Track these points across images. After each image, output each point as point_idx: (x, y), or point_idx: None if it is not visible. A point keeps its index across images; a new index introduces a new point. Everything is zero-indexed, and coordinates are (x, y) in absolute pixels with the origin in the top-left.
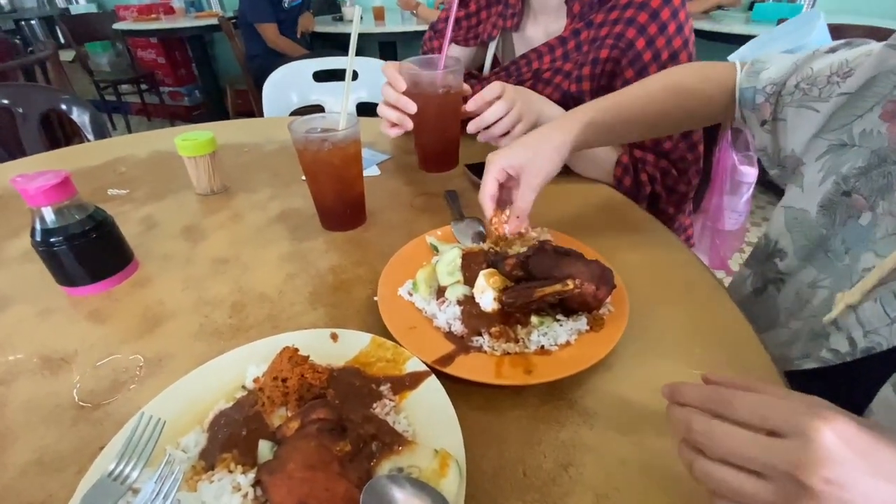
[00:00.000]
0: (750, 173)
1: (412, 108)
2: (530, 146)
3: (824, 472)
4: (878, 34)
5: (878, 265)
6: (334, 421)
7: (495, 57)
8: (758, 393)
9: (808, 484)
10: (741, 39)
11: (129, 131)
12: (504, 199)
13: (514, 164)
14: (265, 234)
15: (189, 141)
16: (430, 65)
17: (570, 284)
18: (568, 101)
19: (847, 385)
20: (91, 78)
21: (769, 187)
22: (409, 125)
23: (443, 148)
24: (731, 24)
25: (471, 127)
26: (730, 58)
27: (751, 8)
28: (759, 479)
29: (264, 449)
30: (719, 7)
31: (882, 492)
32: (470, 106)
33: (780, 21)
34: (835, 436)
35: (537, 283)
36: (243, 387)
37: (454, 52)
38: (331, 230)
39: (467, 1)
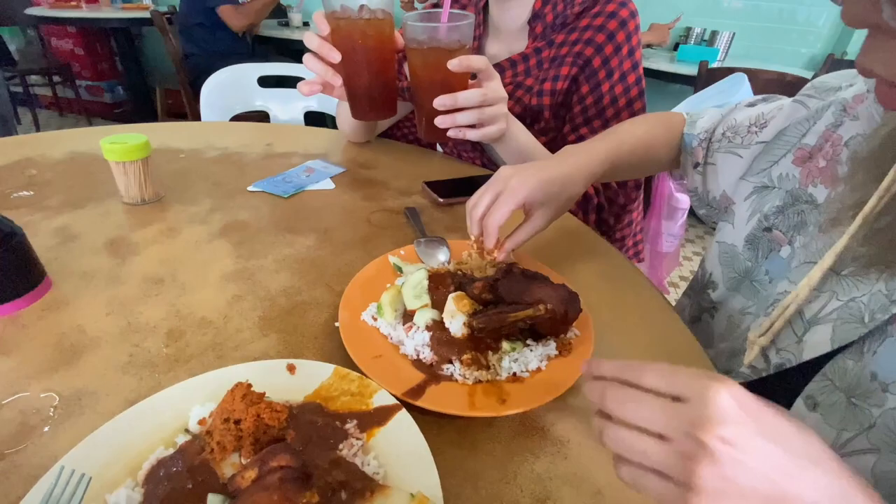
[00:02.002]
0: (684, 200)
1: (335, 56)
2: (556, 182)
3: (720, 431)
4: (784, 79)
5: (789, 293)
6: (298, 468)
7: None
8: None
9: (705, 441)
10: (667, 76)
11: (38, 127)
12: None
13: (538, 199)
14: (206, 251)
15: (118, 144)
16: (435, 17)
17: (542, 309)
18: (528, 114)
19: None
20: None
21: (701, 220)
22: (336, 81)
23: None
24: (659, 62)
25: (437, 102)
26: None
27: (675, 48)
28: (662, 441)
29: None
30: (648, 46)
31: (769, 451)
32: (453, 64)
33: (701, 62)
34: (730, 398)
35: (509, 307)
36: (186, 430)
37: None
38: (362, 118)
39: None
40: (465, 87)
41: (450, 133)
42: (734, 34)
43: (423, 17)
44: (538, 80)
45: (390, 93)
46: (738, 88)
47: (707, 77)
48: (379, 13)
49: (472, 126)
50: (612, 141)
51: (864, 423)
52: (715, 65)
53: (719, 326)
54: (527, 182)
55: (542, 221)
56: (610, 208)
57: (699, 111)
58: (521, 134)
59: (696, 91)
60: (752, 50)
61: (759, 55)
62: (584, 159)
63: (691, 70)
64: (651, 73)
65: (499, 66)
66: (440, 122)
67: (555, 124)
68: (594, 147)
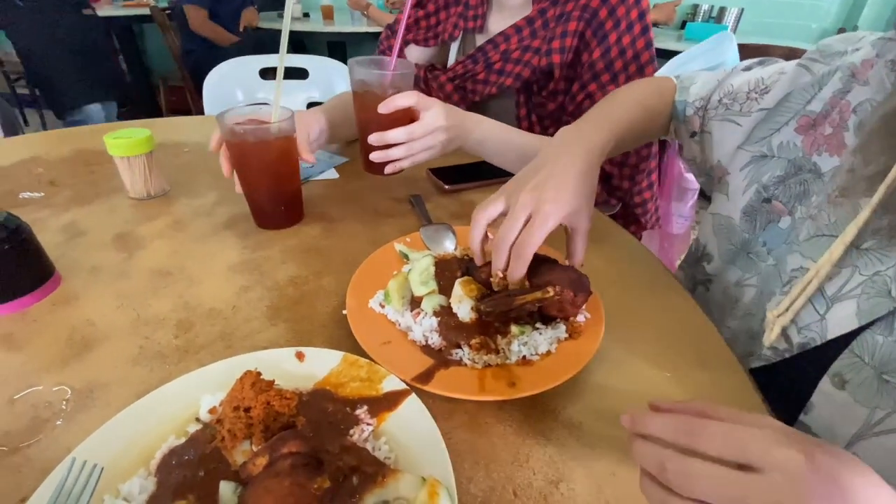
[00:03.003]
0: (694, 181)
1: (225, 168)
2: (581, 187)
3: None
4: (794, 54)
5: (807, 270)
6: (308, 454)
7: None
8: (720, 421)
9: None
10: (675, 56)
11: (45, 127)
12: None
13: (570, 213)
14: (212, 243)
15: (122, 139)
16: (381, 65)
17: (551, 291)
18: (537, 76)
19: (788, 380)
20: (1, 69)
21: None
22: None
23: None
24: (666, 41)
25: (370, 139)
26: (658, 73)
27: (683, 27)
28: None
29: (226, 492)
30: (654, 24)
31: None
32: (381, 109)
33: None
34: (811, 469)
35: (516, 290)
36: (197, 419)
37: (413, 53)
38: (264, 228)
39: (425, 2)
40: (406, 123)
41: (386, 170)
42: (742, 10)
43: (369, 63)
44: (546, 40)
45: (288, 206)
46: (724, 48)
47: None
48: (261, 132)
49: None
50: (610, 113)
51: None
52: None
53: (715, 298)
54: (559, 202)
55: (588, 225)
56: (621, 171)
57: (690, 75)
58: (493, 134)
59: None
60: (762, 26)
61: (769, 31)
62: (590, 149)
63: (688, 50)
64: (658, 53)
65: (503, 35)
66: (374, 156)
67: (564, 86)
68: (594, 124)
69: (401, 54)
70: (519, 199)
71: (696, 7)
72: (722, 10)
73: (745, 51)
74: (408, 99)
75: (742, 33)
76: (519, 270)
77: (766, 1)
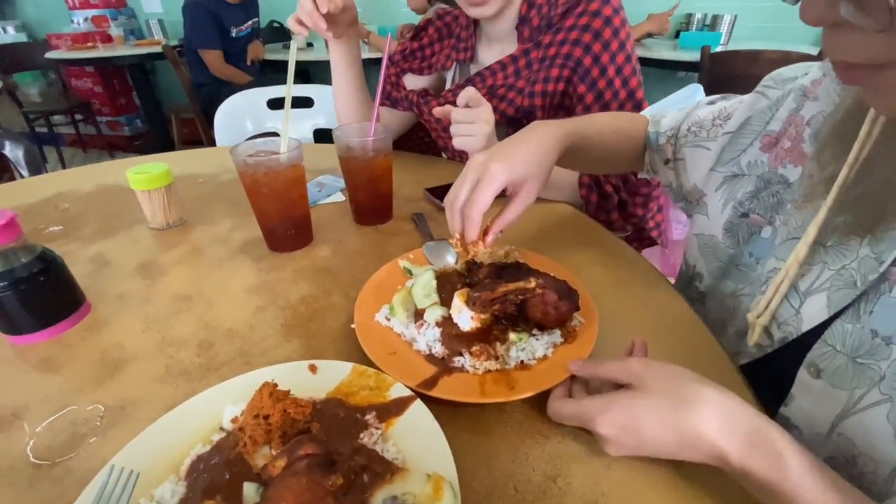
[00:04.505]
0: None
1: (322, 26)
2: (532, 156)
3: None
4: (789, 58)
5: (779, 269)
6: (323, 455)
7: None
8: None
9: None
10: (670, 65)
11: (63, 164)
12: None
13: (516, 178)
14: (228, 267)
15: (142, 174)
16: (363, 131)
17: (533, 282)
18: (520, 115)
19: (771, 374)
20: (20, 109)
21: None
22: (322, 25)
23: (379, 203)
24: (661, 50)
25: (437, 111)
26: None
27: (677, 36)
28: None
29: (250, 492)
30: (648, 36)
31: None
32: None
33: (703, 48)
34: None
35: (502, 281)
36: (221, 428)
37: (410, 81)
38: (276, 251)
39: (420, 35)
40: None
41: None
42: (736, 16)
43: (352, 130)
44: (529, 82)
45: (298, 229)
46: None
47: (711, 62)
48: (273, 163)
49: None
50: (581, 118)
51: (874, 377)
52: (718, 49)
53: (713, 311)
54: (507, 161)
55: (531, 196)
56: (634, 200)
57: (661, 112)
58: None
59: (700, 76)
60: (757, 31)
61: (765, 35)
62: (552, 129)
63: (694, 57)
64: (653, 63)
65: (490, 69)
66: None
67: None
68: (562, 121)
69: (395, 91)
70: (470, 167)
71: (689, 16)
72: (716, 18)
73: (741, 56)
74: (464, 96)
75: (737, 39)
76: (471, 233)
77: (760, 6)
